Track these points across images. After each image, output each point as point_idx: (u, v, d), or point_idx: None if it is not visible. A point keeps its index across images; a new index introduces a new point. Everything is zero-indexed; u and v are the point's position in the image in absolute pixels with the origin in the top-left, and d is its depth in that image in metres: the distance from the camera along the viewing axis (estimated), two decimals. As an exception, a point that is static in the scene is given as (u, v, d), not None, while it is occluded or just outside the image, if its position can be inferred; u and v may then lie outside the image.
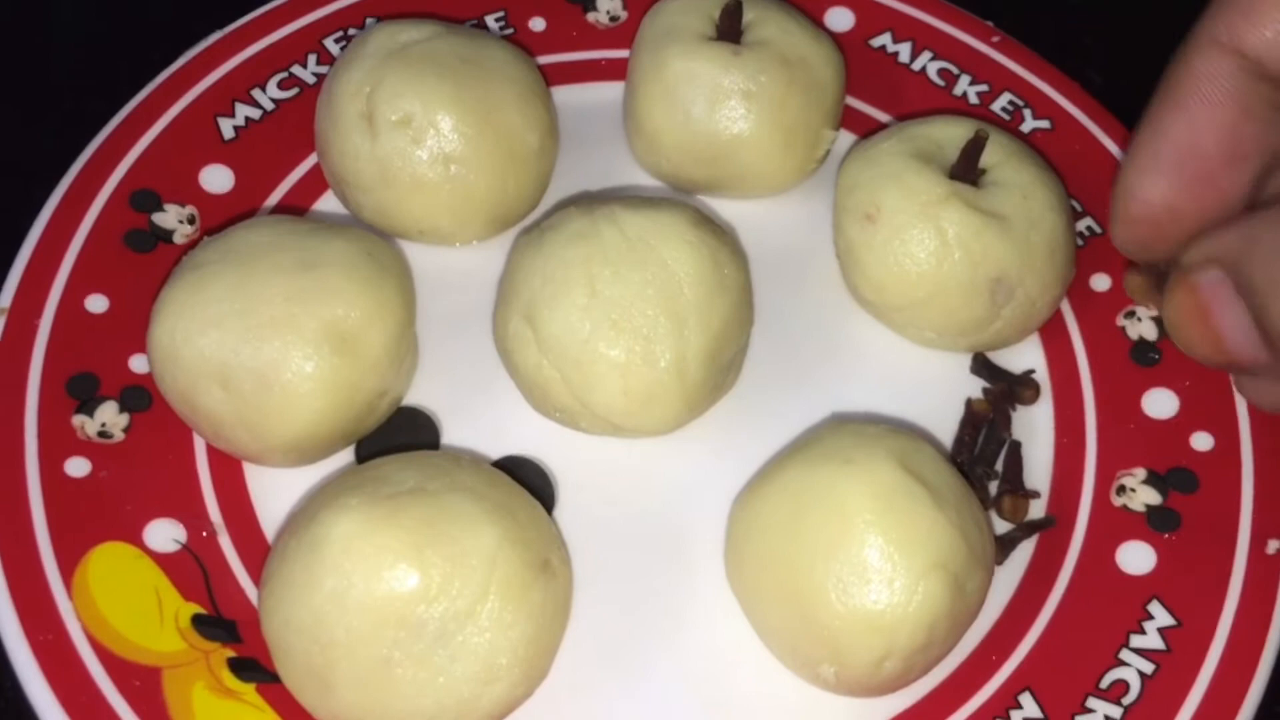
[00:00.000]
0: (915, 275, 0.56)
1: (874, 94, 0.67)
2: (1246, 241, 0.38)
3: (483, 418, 0.56)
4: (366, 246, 0.53)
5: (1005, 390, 0.59)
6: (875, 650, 0.47)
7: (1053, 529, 0.55)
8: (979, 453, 0.57)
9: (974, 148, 0.56)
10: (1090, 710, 0.50)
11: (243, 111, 0.62)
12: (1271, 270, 0.36)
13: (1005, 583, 0.54)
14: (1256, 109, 0.40)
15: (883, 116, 0.66)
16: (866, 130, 0.65)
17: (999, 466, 0.56)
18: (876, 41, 0.68)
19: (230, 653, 0.49)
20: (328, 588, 0.45)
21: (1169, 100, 0.42)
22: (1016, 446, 0.57)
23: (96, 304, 0.56)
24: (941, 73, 0.67)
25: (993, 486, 0.56)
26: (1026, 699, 0.51)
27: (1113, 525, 0.55)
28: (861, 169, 0.58)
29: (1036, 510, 0.56)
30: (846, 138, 0.65)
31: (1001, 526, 0.55)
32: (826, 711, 0.50)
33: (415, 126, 0.56)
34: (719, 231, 0.55)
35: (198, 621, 0.49)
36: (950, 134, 0.58)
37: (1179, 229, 0.42)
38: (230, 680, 0.48)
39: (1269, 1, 0.38)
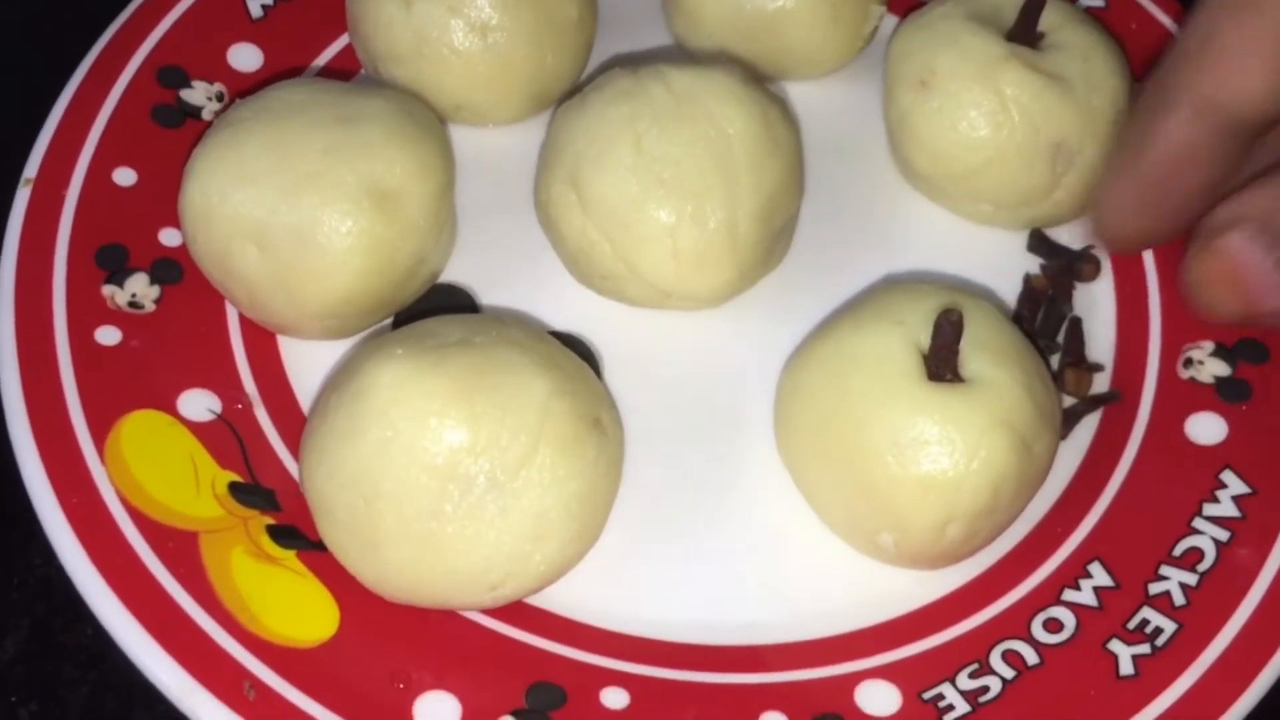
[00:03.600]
0: (972, 140, 0.54)
1: (920, -26, 0.64)
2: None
3: (523, 294, 0.54)
4: (405, 105, 0.51)
5: (1065, 266, 0.56)
6: (937, 514, 0.45)
7: (1118, 403, 0.53)
8: (1039, 327, 0.55)
9: (1033, 7, 0.54)
10: (1164, 578, 0.48)
11: (271, -11, 0.60)
12: None
13: (1070, 456, 0.51)
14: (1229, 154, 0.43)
15: (929, -3, 0.64)
16: (910, 9, 0.63)
17: (1060, 339, 0.54)
18: (922, -80, 0.66)
19: (269, 520, 0.47)
20: (373, 438, 0.43)
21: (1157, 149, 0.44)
22: (1077, 322, 0.55)
23: (124, 177, 0.54)
24: (990, -48, 0.65)
25: (1054, 362, 0.54)
26: (1096, 568, 0.48)
27: (1180, 397, 0.53)
28: (915, 34, 0.56)
29: (1100, 385, 0.54)
30: (892, 22, 0.63)
31: (1066, 401, 0.53)
32: (885, 585, 0.48)
33: (452, -7, 0.55)
34: (769, 91, 0.53)
35: (235, 489, 0.47)
36: (1006, -3, 0.56)
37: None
38: (270, 546, 0.46)
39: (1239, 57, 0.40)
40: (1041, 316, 0.55)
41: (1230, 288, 0.40)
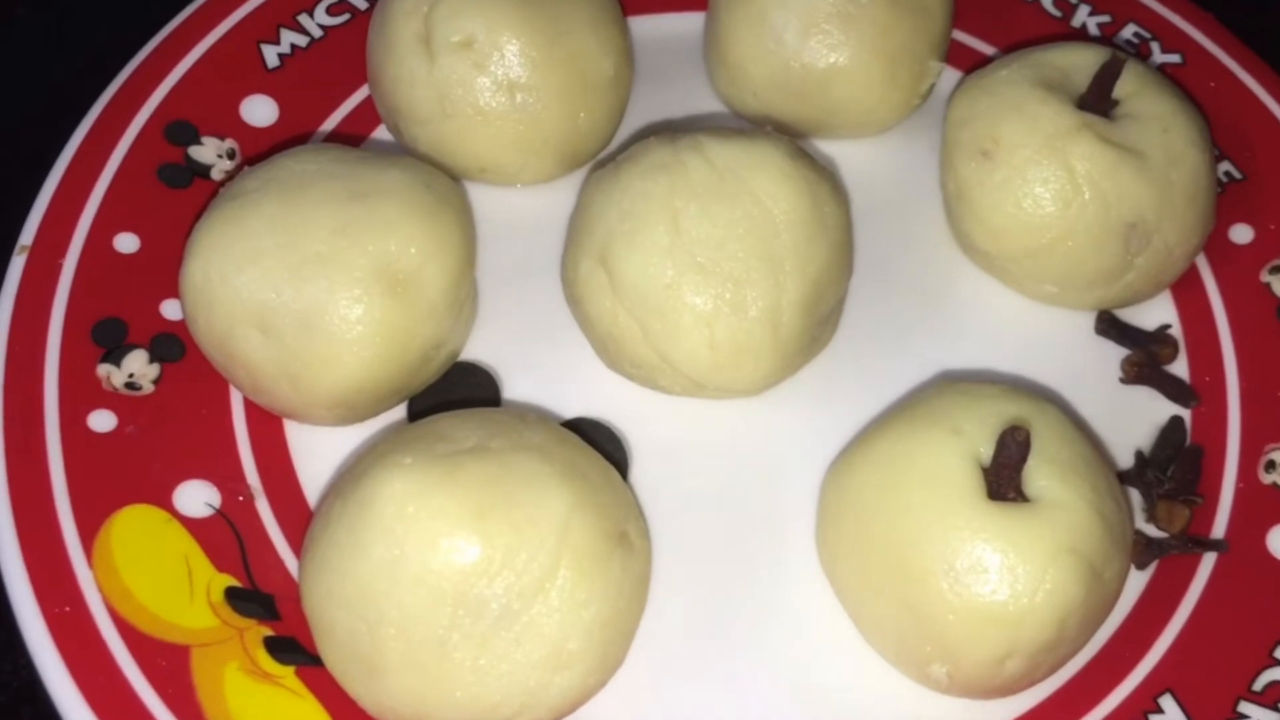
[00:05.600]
0: (1039, 219, 0.50)
1: (982, 25, 0.60)
2: None
3: (549, 375, 0.51)
4: (424, 177, 0.47)
5: (1147, 357, 0.52)
6: (995, 648, 0.41)
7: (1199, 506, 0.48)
8: (1150, 455, 0.50)
9: (1109, 73, 0.50)
10: (1243, 715, 0.44)
11: (288, 38, 0.57)
12: None
13: (1139, 571, 0.47)
14: None
15: (992, 51, 0.60)
16: (974, 66, 0.58)
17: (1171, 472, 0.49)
18: (986, -34, 0.62)
19: (267, 631, 0.44)
20: (377, 557, 0.39)
21: None
22: (1195, 452, 0.50)
23: (126, 243, 0.51)
24: (1058, 1, 0.61)
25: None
26: (1168, 702, 0.44)
27: (1262, 505, 0.49)
28: (977, 99, 0.52)
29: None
30: (951, 76, 0.59)
31: (1152, 531, 0.48)
32: (935, 712, 0.44)
33: (478, 49, 0.51)
34: (818, 166, 0.49)
35: (231, 595, 0.44)
36: (1077, 60, 0.52)
37: None
38: (266, 662, 0.43)
39: None
40: (1155, 443, 0.50)
41: None
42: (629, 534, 0.42)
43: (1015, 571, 0.41)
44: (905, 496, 0.42)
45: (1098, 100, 0.50)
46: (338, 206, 0.45)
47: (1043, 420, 0.43)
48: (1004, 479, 0.41)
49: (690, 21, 0.60)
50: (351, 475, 0.42)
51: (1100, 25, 0.60)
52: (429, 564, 0.39)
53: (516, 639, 0.39)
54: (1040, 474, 0.42)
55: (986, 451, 0.42)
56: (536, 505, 0.40)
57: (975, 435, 0.43)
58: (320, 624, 0.41)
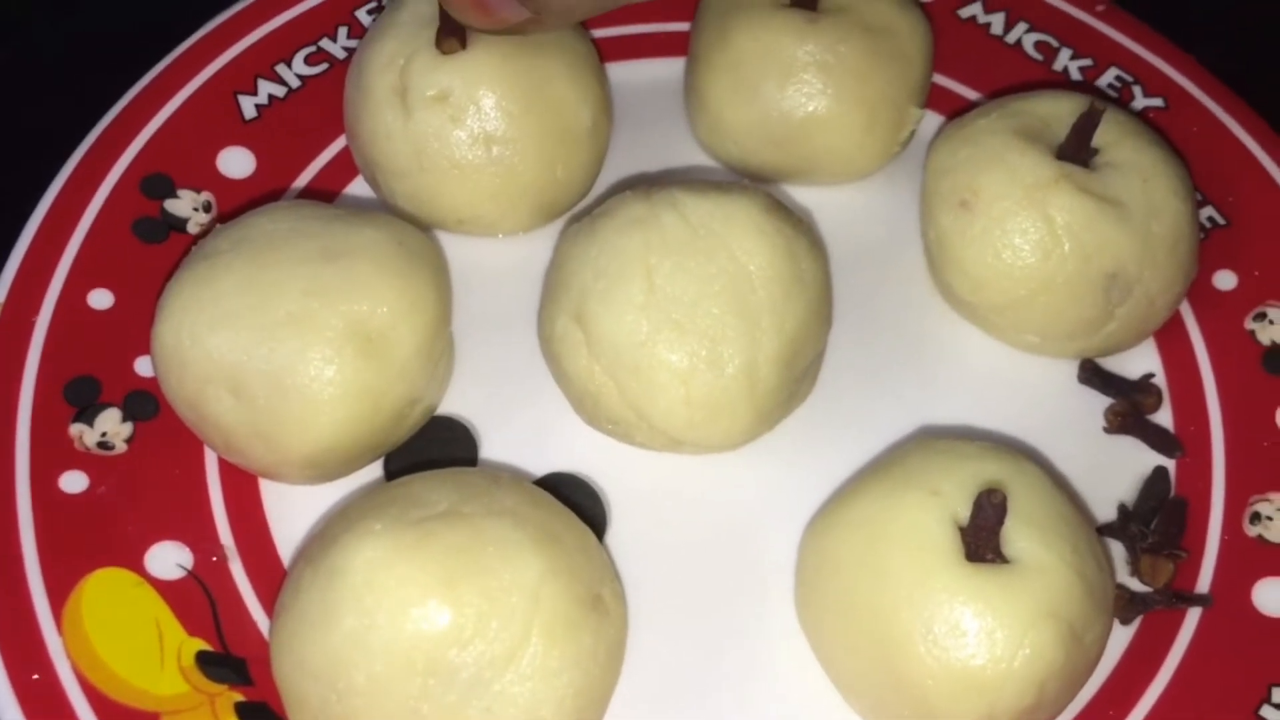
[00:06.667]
0: (1018, 270, 0.49)
1: (964, 70, 0.60)
2: None
3: (525, 430, 0.50)
4: (398, 235, 0.47)
5: (1130, 407, 0.51)
6: (974, 712, 0.41)
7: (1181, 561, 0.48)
8: (1134, 509, 0.49)
9: (1087, 123, 0.49)
10: (1228, 777, 0.43)
11: (265, 89, 0.56)
12: None
13: (1123, 627, 0.47)
14: None
15: (973, 95, 0.60)
16: (955, 111, 0.58)
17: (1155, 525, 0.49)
18: (966, 11, 0.61)
19: (239, 696, 0.43)
20: (347, 626, 0.39)
21: None
22: (1180, 505, 0.49)
23: (100, 299, 0.50)
24: (1039, 45, 0.61)
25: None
26: (1152, 762, 0.44)
27: (1247, 558, 0.48)
28: (956, 149, 0.51)
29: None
30: (932, 120, 0.59)
31: (1136, 585, 0.48)
32: (917, 771, 0.44)
33: (454, 103, 0.50)
34: (795, 220, 0.48)
35: (203, 659, 0.44)
36: (1057, 109, 0.51)
37: None
38: (238, 729, 0.42)
39: None
40: (1139, 495, 0.50)
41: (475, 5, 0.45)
42: (603, 598, 0.42)
43: (993, 635, 0.40)
44: (883, 558, 0.42)
45: (1076, 150, 0.50)
46: (310, 267, 0.45)
47: (1021, 480, 0.43)
48: (981, 541, 0.41)
49: (670, 67, 0.60)
50: (322, 541, 0.41)
51: (1082, 69, 0.60)
52: (399, 633, 0.38)
53: (488, 708, 0.39)
54: (1019, 535, 0.42)
55: (965, 512, 0.42)
56: (508, 573, 0.40)
57: (953, 496, 0.42)
58: (291, 694, 0.41)
